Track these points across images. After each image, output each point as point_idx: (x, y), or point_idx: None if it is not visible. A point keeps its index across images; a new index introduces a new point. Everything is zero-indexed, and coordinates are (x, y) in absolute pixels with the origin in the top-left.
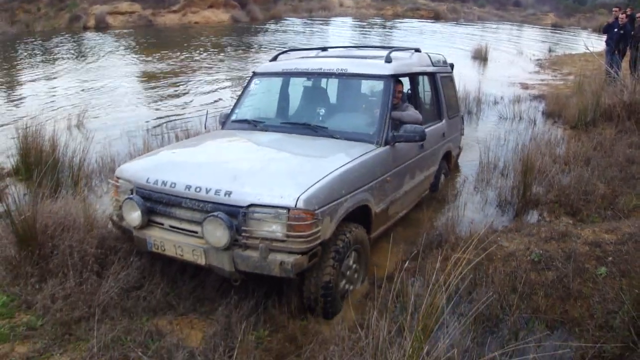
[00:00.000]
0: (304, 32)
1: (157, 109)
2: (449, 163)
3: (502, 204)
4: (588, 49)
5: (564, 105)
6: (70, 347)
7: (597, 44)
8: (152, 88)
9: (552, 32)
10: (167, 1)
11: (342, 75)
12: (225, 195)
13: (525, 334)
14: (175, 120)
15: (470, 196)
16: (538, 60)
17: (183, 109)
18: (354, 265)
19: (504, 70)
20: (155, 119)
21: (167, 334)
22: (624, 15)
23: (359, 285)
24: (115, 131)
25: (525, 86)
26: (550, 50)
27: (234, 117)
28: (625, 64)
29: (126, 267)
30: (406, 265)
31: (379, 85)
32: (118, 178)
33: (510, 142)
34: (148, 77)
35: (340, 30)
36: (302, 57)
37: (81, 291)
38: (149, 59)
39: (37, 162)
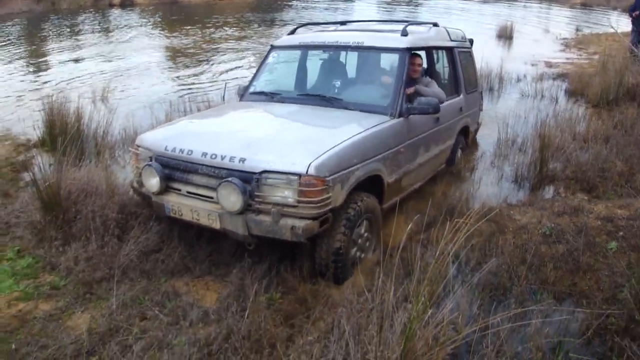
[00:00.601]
0: (329, 9)
1: (179, 83)
2: (467, 138)
3: (519, 179)
4: (613, 28)
5: (587, 84)
6: (91, 306)
7: (624, 24)
8: (176, 62)
9: (580, 12)
10: None
11: (358, 48)
12: (239, 162)
13: (532, 303)
14: (197, 93)
15: (486, 171)
16: (564, 39)
17: (205, 82)
18: (366, 234)
19: (529, 48)
20: (177, 92)
21: (183, 295)
22: None
23: (371, 254)
24: (139, 104)
25: (549, 64)
26: (577, 30)
27: (251, 90)
28: None
29: (146, 231)
30: (418, 236)
31: (395, 58)
32: (138, 146)
33: (530, 119)
34: (172, 52)
35: (366, 7)
36: (320, 31)
37: (102, 254)
38: (173, 34)
39: (62, 133)
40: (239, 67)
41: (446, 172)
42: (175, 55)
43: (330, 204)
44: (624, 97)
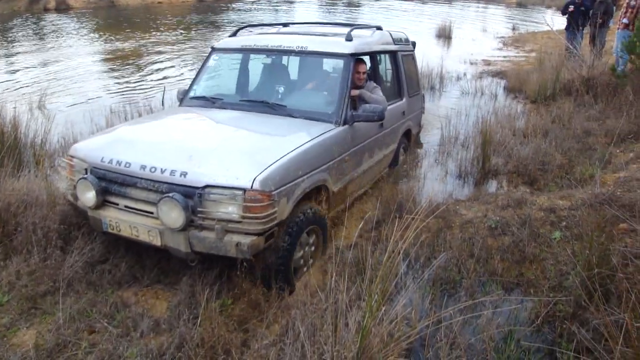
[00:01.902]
0: (270, 11)
1: (120, 88)
2: (409, 141)
3: (463, 175)
4: (549, 26)
5: (525, 81)
6: (36, 321)
7: (559, 21)
8: (115, 67)
9: (516, 11)
10: None
11: (301, 53)
12: (180, 175)
13: (482, 295)
14: (138, 97)
15: (431, 168)
16: (501, 37)
17: (146, 86)
18: (310, 244)
19: (468, 47)
20: (118, 97)
21: (132, 305)
22: None
23: (318, 261)
24: (78, 110)
25: (487, 63)
26: (513, 28)
27: (191, 94)
28: (585, 40)
29: (90, 242)
30: (368, 234)
31: (339, 63)
32: (72, 157)
33: (471, 116)
34: (110, 57)
35: (306, 10)
36: (262, 33)
37: (46, 266)
38: (112, 38)
39: None
40: (180, 69)
41: (394, 171)
42: (114, 59)
43: (276, 219)
44: (561, 92)
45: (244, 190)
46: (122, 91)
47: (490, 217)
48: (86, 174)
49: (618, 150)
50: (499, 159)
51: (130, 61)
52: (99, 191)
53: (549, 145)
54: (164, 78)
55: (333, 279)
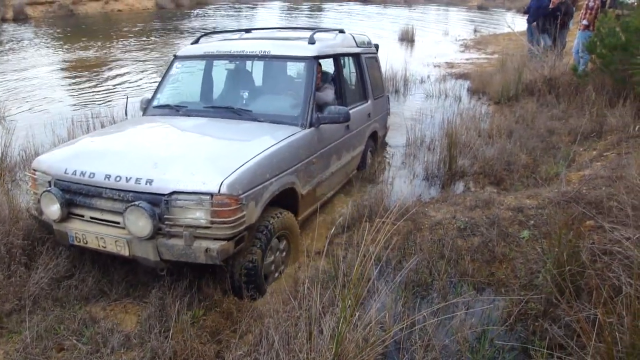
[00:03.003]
0: (232, 18)
1: (81, 98)
2: (376, 143)
3: (430, 177)
4: (510, 27)
5: (488, 82)
6: (2, 341)
7: (519, 23)
8: (76, 77)
9: (477, 13)
10: None
11: (264, 58)
12: (146, 183)
13: (454, 296)
14: (100, 108)
15: (398, 171)
16: (463, 40)
17: (108, 96)
18: (281, 249)
19: (430, 50)
20: (79, 108)
21: (101, 320)
22: None
23: (288, 267)
24: (39, 122)
25: (450, 65)
26: (475, 31)
27: (155, 103)
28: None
29: (55, 257)
30: (338, 239)
31: (302, 67)
32: (35, 170)
33: (436, 118)
34: (71, 67)
35: (269, 15)
36: (225, 40)
37: (10, 284)
38: (71, 48)
39: None
40: (143, 78)
41: (361, 175)
42: (75, 69)
43: (245, 223)
44: (524, 93)
45: (211, 194)
46: (84, 101)
47: (459, 218)
48: (50, 186)
49: (581, 149)
50: (465, 160)
51: (92, 71)
52: (64, 203)
53: (514, 146)
54: (127, 87)
55: (306, 285)
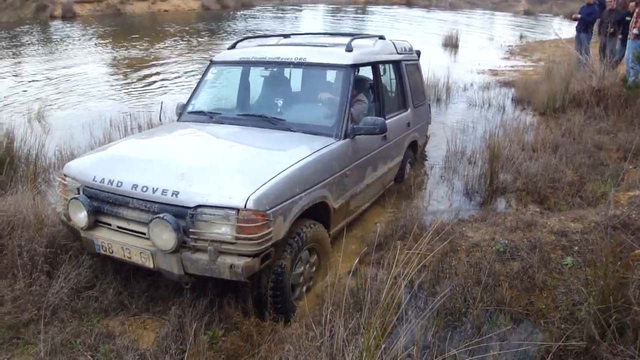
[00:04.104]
0: (276, 19)
1: (122, 99)
2: (415, 152)
3: (469, 192)
4: (557, 35)
5: (533, 92)
6: (18, 352)
7: (567, 30)
8: (119, 77)
9: (524, 19)
10: None
11: (300, 65)
12: (172, 195)
13: (489, 327)
14: (139, 110)
15: (436, 185)
16: (509, 46)
17: (148, 99)
18: (310, 264)
19: (475, 56)
20: (118, 109)
21: (118, 336)
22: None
23: (319, 282)
24: (78, 122)
25: (495, 73)
26: (521, 37)
27: (190, 108)
28: (595, 49)
29: (77, 266)
30: (368, 257)
31: (339, 75)
32: (65, 175)
33: (478, 129)
34: (115, 66)
35: (313, 17)
36: (262, 45)
37: (30, 293)
38: (117, 47)
39: None
40: (184, 80)
41: (397, 188)
42: (118, 69)
43: (272, 239)
44: (570, 104)
45: (237, 209)
46: (125, 102)
47: (498, 240)
48: (78, 193)
49: (631, 167)
50: (507, 175)
51: (134, 71)
52: (91, 211)
53: (559, 161)
54: (167, 88)
55: (329, 311)
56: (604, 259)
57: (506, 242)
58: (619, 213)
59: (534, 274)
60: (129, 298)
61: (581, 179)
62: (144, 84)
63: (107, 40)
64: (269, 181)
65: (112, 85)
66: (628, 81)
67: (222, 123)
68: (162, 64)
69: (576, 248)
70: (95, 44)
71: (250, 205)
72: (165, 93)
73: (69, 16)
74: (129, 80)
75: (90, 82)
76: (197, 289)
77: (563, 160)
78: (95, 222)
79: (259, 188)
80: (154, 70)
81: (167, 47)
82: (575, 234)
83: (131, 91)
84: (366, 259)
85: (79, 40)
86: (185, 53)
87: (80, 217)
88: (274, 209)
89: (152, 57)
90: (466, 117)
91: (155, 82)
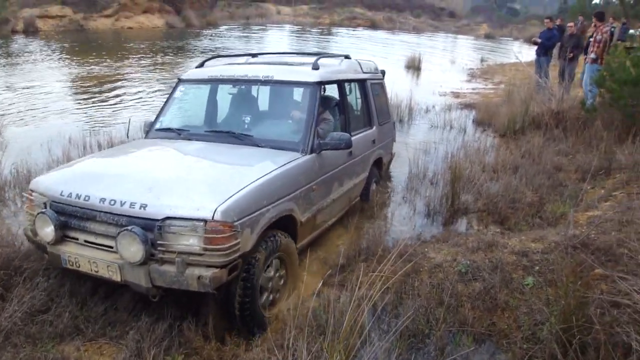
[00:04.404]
0: (242, 39)
1: (81, 116)
2: (380, 170)
3: (431, 213)
4: (518, 58)
5: (494, 114)
6: None
7: (527, 53)
8: (80, 94)
9: (484, 43)
10: (99, 5)
11: (267, 83)
12: (140, 208)
13: (452, 348)
14: (100, 127)
15: (398, 206)
16: (470, 69)
17: (109, 116)
18: (278, 274)
19: (437, 78)
20: (79, 127)
21: None
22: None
23: (288, 297)
24: (37, 139)
25: (456, 95)
26: (482, 60)
27: (157, 126)
28: (554, 73)
29: (31, 289)
30: (331, 279)
31: (305, 92)
32: (32, 191)
33: (440, 150)
34: (77, 83)
35: (279, 38)
36: (230, 64)
37: None
38: (79, 64)
39: None
40: (148, 98)
41: (360, 208)
42: (80, 85)
43: (239, 250)
44: (530, 126)
45: (205, 221)
46: (84, 120)
47: (460, 260)
48: (45, 208)
49: (589, 187)
50: (468, 196)
51: (96, 88)
52: (58, 225)
53: (519, 182)
54: (129, 105)
55: (292, 335)
56: (565, 278)
57: (468, 262)
58: (578, 233)
59: (495, 294)
60: (85, 322)
61: (541, 200)
62: (105, 101)
63: (69, 56)
64: (236, 193)
65: (73, 102)
66: (586, 104)
67: (190, 139)
68: (125, 82)
69: (537, 268)
70: (57, 60)
71: (218, 216)
72: (126, 109)
73: (31, 31)
74: (90, 97)
75: (50, 98)
76: (156, 311)
77: (523, 181)
78: (62, 237)
79: (226, 200)
80: (116, 87)
81: (130, 64)
82: (535, 254)
83: (92, 108)
84: (329, 281)
85: (41, 55)
86: (150, 71)
87: (47, 231)
88: (241, 221)
89: (115, 74)
90: (428, 138)
91: (117, 99)
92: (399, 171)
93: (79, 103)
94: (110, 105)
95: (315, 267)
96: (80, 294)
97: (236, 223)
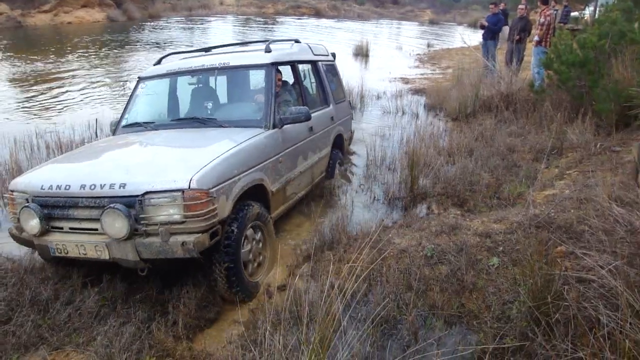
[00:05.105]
0: (186, 30)
1: (28, 118)
2: (342, 148)
3: (391, 199)
4: (465, 42)
5: (445, 98)
6: None
7: (471, 38)
8: (20, 94)
9: (429, 28)
10: (37, 1)
11: (225, 69)
12: (120, 187)
13: (425, 332)
14: (47, 127)
15: (358, 193)
16: (417, 55)
17: (55, 116)
18: (257, 240)
19: (385, 65)
20: (24, 127)
21: None
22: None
23: (268, 269)
24: None
25: (406, 81)
26: (428, 46)
27: (124, 123)
28: (500, 56)
29: None
30: (298, 270)
31: (261, 73)
32: (12, 191)
33: (395, 136)
34: (15, 82)
35: (222, 29)
36: (186, 58)
37: None
38: (17, 62)
39: None
40: (95, 95)
41: (318, 195)
42: (19, 85)
43: (218, 216)
44: (481, 109)
45: (182, 190)
46: (30, 120)
47: (425, 245)
48: (28, 203)
49: (543, 167)
50: (426, 180)
51: (37, 87)
52: (43, 217)
53: (475, 164)
54: (75, 103)
55: (267, 330)
56: (530, 257)
57: (433, 246)
58: (538, 212)
59: (462, 276)
60: (50, 330)
61: (497, 181)
62: (50, 100)
63: (8, 54)
64: (207, 164)
65: (15, 102)
66: (535, 86)
67: (157, 130)
68: (69, 79)
69: (501, 248)
70: None
71: (193, 185)
72: (73, 108)
73: None
74: (33, 97)
75: None
76: (122, 313)
77: (479, 163)
78: (47, 229)
79: (199, 170)
80: (60, 85)
81: (73, 60)
82: (498, 235)
83: (36, 108)
84: (298, 271)
85: None
86: (94, 66)
87: (32, 224)
88: (216, 188)
89: (58, 71)
90: (382, 124)
91: (62, 97)
92: (356, 158)
93: (21, 104)
94: (56, 103)
95: (282, 259)
96: (41, 301)
97: (212, 190)
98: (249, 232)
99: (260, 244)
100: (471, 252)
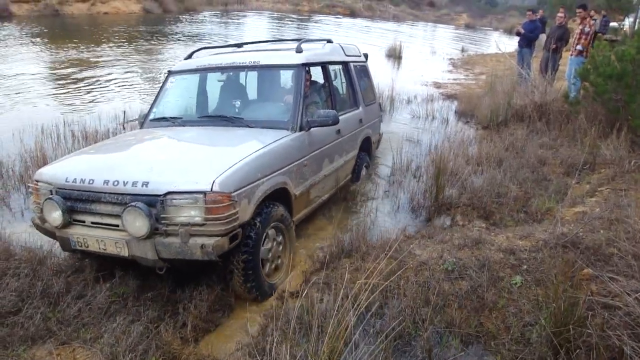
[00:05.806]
0: (221, 24)
1: (57, 105)
2: (370, 151)
3: (415, 207)
4: (500, 49)
5: (476, 105)
6: None
7: (507, 44)
8: (56, 80)
9: (465, 32)
10: None
11: (255, 67)
12: (142, 185)
13: (439, 350)
14: (74, 116)
15: (381, 200)
16: (451, 59)
17: (85, 106)
18: (277, 241)
19: (418, 68)
20: (52, 116)
21: None
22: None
23: (285, 275)
24: (9, 128)
25: (438, 85)
26: (463, 50)
27: (152, 117)
28: (535, 65)
29: (1, 289)
30: (313, 278)
31: (291, 74)
32: (37, 181)
33: (423, 142)
34: (51, 71)
35: (257, 25)
36: (217, 54)
37: None
38: (55, 49)
39: None
40: (125, 87)
41: (340, 199)
42: (54, 74)
43: (238, 219)
44: (513, 118)
45: (204, 192)
46: (60, 108)
47: (446, 258)
48: (52, 194)
49: (574, 182)
50: (452, 190)
51: (72, 74)
52: (65, 210)
53: (504, 176)
54: (106, 93)
55: (275, 339)
56: (554, 278)
57: (454, 260)
58: (566, 231)
59: (483, 294)
60: (58, 324)
61: (526, 194)
62: (81, 90)
63: (45, 42)
64: (231, 167)
65: (48, 90)
66: (570, 97)
67: (184, 126)
68: (101, 68)
69: (525, 267)
70: (32, 46)
71: (216, 187)
72: (103, 97)
73: (5, 16)
74: (65, 85)
75: (24, 85)
76: (132, 312)
77: (507, 175)
78: (69, 221)
79: (222, 173)
80: (92, 74)
81: (106, 50)
82: (523, 252)
83: (68, 96)
84: (313, 278)
85: (15, 41)
86: (126, 57)
87: (55, 216)
88: (238, 192)
89: (91, 60)
90: (410, 129)
91: (92, 87)
92: (382, 163)
93: (55, 90)
94: (87, 92)
95: (298, 264)
96: (52, 294)
97: (233, 194)
98: (271, 231)
99: (281, 247)
100: (494, 269)
